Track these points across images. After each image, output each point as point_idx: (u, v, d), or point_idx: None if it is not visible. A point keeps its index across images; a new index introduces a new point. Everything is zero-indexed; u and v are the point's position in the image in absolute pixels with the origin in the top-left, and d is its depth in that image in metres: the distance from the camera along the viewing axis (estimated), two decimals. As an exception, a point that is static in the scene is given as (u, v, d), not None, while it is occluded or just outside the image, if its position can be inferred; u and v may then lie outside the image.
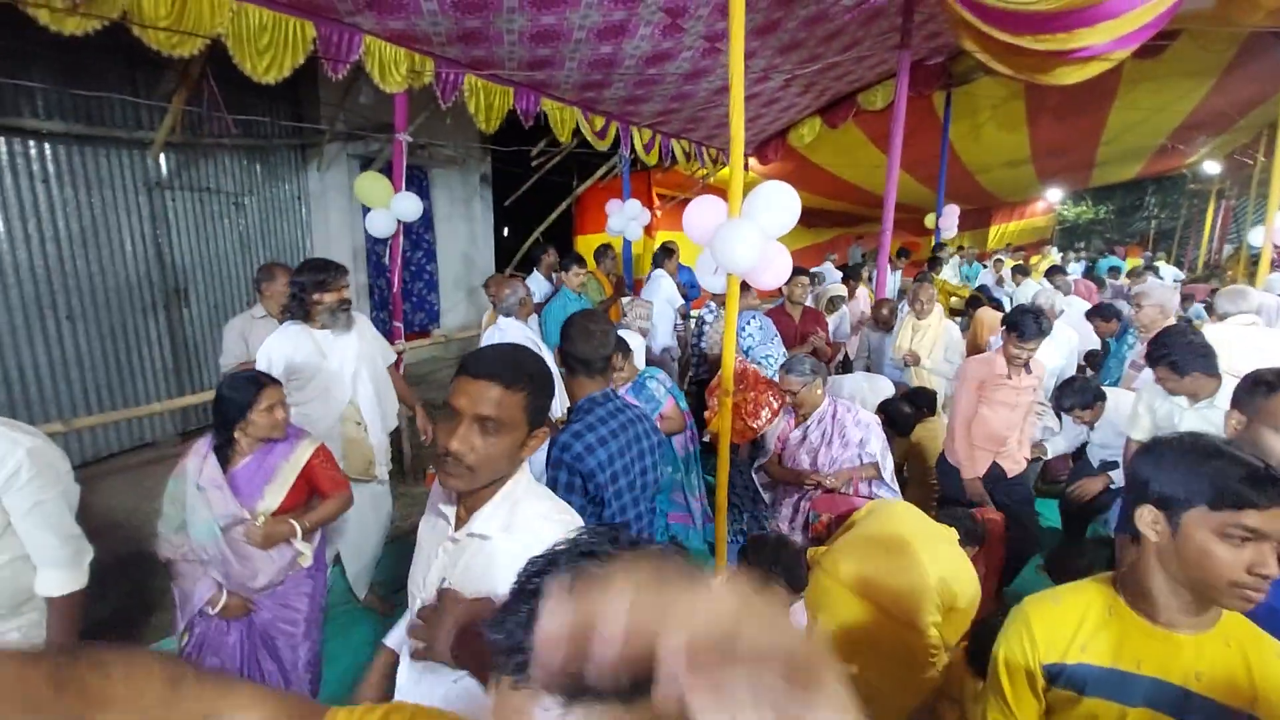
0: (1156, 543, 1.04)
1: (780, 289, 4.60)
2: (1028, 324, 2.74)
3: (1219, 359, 2.25)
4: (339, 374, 2.66)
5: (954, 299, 7.03)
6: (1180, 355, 2.23)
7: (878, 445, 2.66)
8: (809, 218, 12.45)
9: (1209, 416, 2.29)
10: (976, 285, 7.46)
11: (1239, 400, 1.46)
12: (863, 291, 5.96)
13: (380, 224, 4.24)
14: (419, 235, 7.27)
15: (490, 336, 3.49)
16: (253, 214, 5.44)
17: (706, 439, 3.18)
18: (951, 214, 7.20)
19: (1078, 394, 3.09)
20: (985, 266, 9.69)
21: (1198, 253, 14.01)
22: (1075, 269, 9.85)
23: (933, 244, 7.80)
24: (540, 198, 8.25)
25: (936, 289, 4.38)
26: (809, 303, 4.73)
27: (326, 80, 4.02)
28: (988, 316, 5.07)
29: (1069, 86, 6.48)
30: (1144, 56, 5.83)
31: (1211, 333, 2.63)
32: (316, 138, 5.81)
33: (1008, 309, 4.71)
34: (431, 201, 7.27)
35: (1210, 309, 4.25)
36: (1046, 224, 16.53)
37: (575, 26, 4.19)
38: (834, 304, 5.42)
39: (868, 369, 4.67)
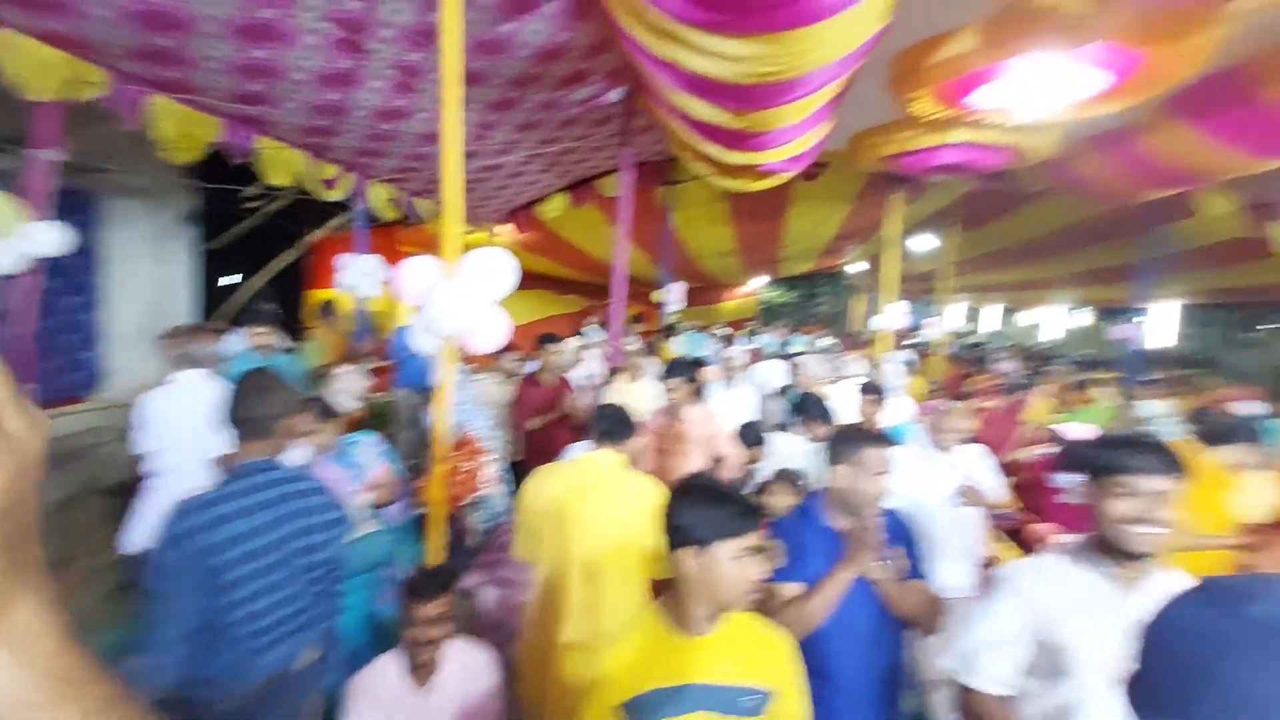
0: (694, 575, 1.26)
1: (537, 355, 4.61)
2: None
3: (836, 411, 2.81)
4: None
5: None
6: (811, 409, 2.72)
7: None
8: (563, 287, 12.96)
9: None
10: (698, 353, 8.38)
11: (838, 453, 1.76)
12: (591, 355, 6.22)
13: (3, 259, 3.22)
14: (76, 277, 5.71)
15: (155, 398, 2.81)
16: None
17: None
18: (678, 290, 8.03)
19: (746, 437, 3.66)
20: (709, 337, 11.00)
21: (858, 330, 17.79)
22: (771, 340, 11.73)
23: (662, 317, 8.59)
24: (269, 245, 7.21)
25: (660, 356, 4.80)
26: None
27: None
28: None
29: (757, 195, 7.84)
30: (807, 179, 7.33)
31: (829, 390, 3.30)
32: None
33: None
34: (100, 237, 5.82)
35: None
36: (752, 304, 19.52)
37: (293, 67, 3.80)
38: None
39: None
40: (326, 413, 2.55)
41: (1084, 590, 1.36)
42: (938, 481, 2.98)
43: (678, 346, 9.24)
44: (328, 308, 4.88)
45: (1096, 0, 2.74)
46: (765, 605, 1.73)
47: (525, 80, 4.51)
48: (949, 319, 22.33)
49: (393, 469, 2.72)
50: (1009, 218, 9.28)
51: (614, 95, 5.26)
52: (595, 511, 2.05)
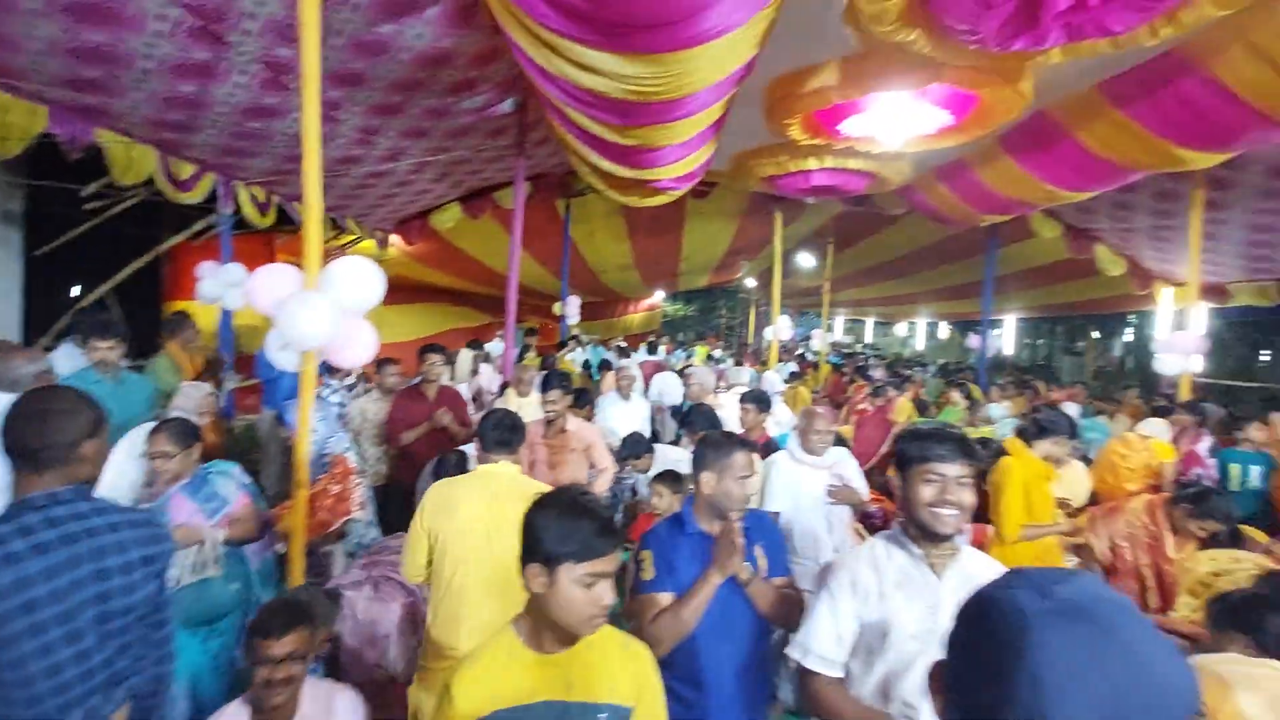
0: (541, 593, 1.21)
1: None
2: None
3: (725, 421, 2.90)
4: None
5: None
6: (698, 420, 2.80)
7: None
8: (462, 300, 12.55)
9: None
10: (598, 365, 8.41)
11: (704, 459, 1.82)
12: (486, 368, 6.07)
13: None
14: None
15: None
16: None
17: None
18: (573, 304, 8.02)
19: (632, 447, 3.72)
20: (609, 350, 11.06)
21: (748, 343, 18.58)
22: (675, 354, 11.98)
23: (560, 330, 8.55)
24: (119, 251, 6.43)
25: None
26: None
27: None
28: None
29: (653, 211, 8.01)
30: (698, 197, 7.59)
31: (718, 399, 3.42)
32: None
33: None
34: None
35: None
36: (655, 317, 19.89)
37: (139, 54, 3.43)
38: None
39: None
40: (179, 437, 2.28)
41: (899, 572, 1.49)
42: (811, 483, 3.15)
43: (577, 359, 9.25)
44: (180, 320, 4.38)
45: (934, 47, 3.04)
46: (641, 616, 1.74)
47: (411, 85, 4.35)
48: (832, 331, 23.90)
49: (255, 502, 2.48)
50: (875, 238, 10.10)
51: (507, 105, 5.19)
52: (512, 524, 1.99)
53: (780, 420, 4.94)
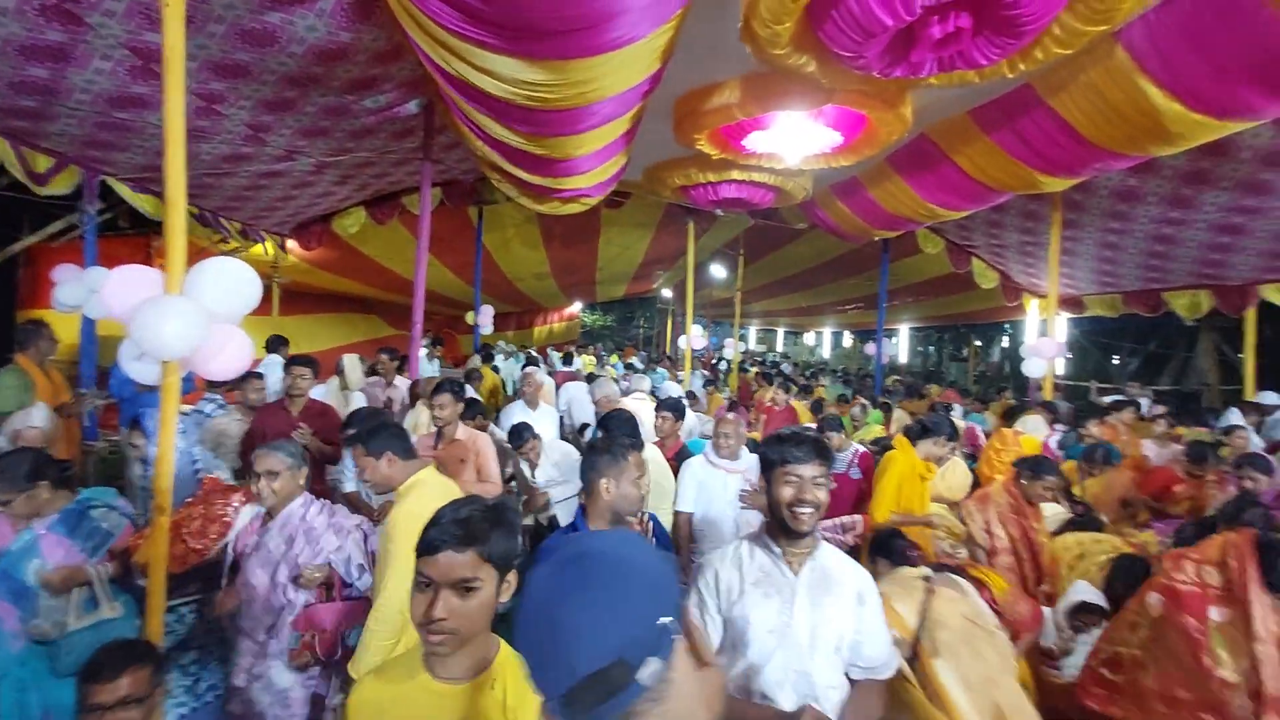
0: None
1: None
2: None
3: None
4: None
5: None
6: (616, 426, 2.77)
7: (356, 555, 2.21)
8: (366, 308, 11.92)
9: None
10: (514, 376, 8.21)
11: (599, 466, 1.79)
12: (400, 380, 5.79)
13: None
14: None
15: None
16: None
17: None
18: (487, 313, 7.80)
19: (516, 436, 3.62)
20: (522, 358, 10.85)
21: (667, 352, 18.82)
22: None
23: (473, 340, 8.27)
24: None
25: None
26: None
27: None
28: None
29: (568, 220, 7.95)
30: (612, 206, 7.60)
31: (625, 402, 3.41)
32: None
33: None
34: None
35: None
36: (573, 327, 19.77)
37: (-25, 30, 3.02)
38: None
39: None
40: (11, 482, 1.96)
41: (758, 570, 1.53)
42: (723, 486, 3.20)
43: (509, 370, 8.99)
44: (34, 330, 3.86)
45: (824, 72, 3.19)
46: None
47: (305, 80, 4.08)
48: (745, 341, 24.61)
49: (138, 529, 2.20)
50: (782, 251, 10.52)
51: (412, 107, 4.98)
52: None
53: (694, 426, 5.02)
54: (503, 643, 1.20)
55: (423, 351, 9.94)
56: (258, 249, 7.71)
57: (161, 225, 5.83)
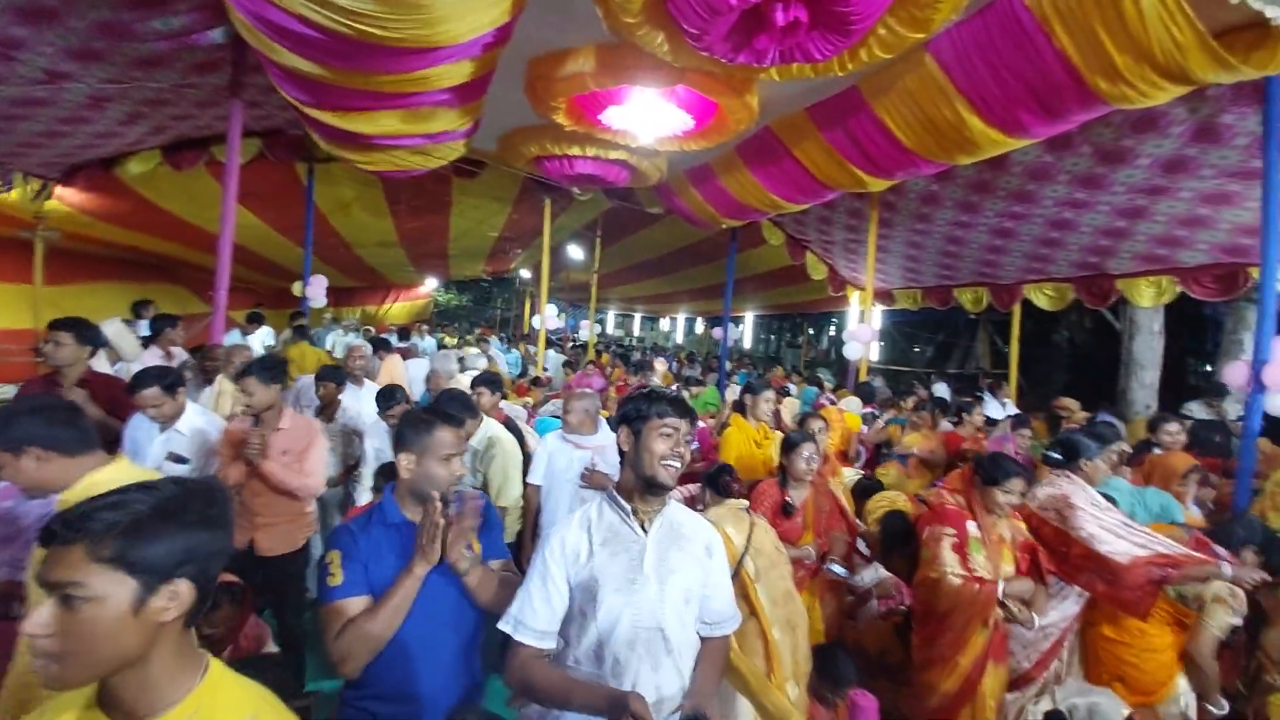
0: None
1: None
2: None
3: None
4: None
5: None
6: (446, 403, 2.54)
7: None
8: (171, 276, 10.15)
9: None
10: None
11: (403, 440, 1.60)
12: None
13: None
14: None
15: None
16: None
17: None
18: (319, 283, 6.96)
19: (386, 399, 3.39)
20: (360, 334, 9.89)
21: (525, 333, 18.37)
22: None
23: (298, 310, 7.31)
24: None
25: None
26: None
27: None
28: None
29: (415, 187, 7.31)
30: (465, 176, 7.12)
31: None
32: None
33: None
34: None
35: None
36: (426, 305, 18.53)
37: None
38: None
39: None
40: None
41: (607, 530, 1.48)
42: (572, 462, 3.13)
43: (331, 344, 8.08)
44: None
45: (673, 50, 3.17)
46: (325, 631, 1.44)
47: (65, -16, 3.27)
48: (603, 325, 24.81)
49: None
50: (638, 235, 10.65)
51: (217, 36, 4.23)
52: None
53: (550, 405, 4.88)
54: (217, 677, 0.92)
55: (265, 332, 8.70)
56: (13, 194, 6.21)
57: None
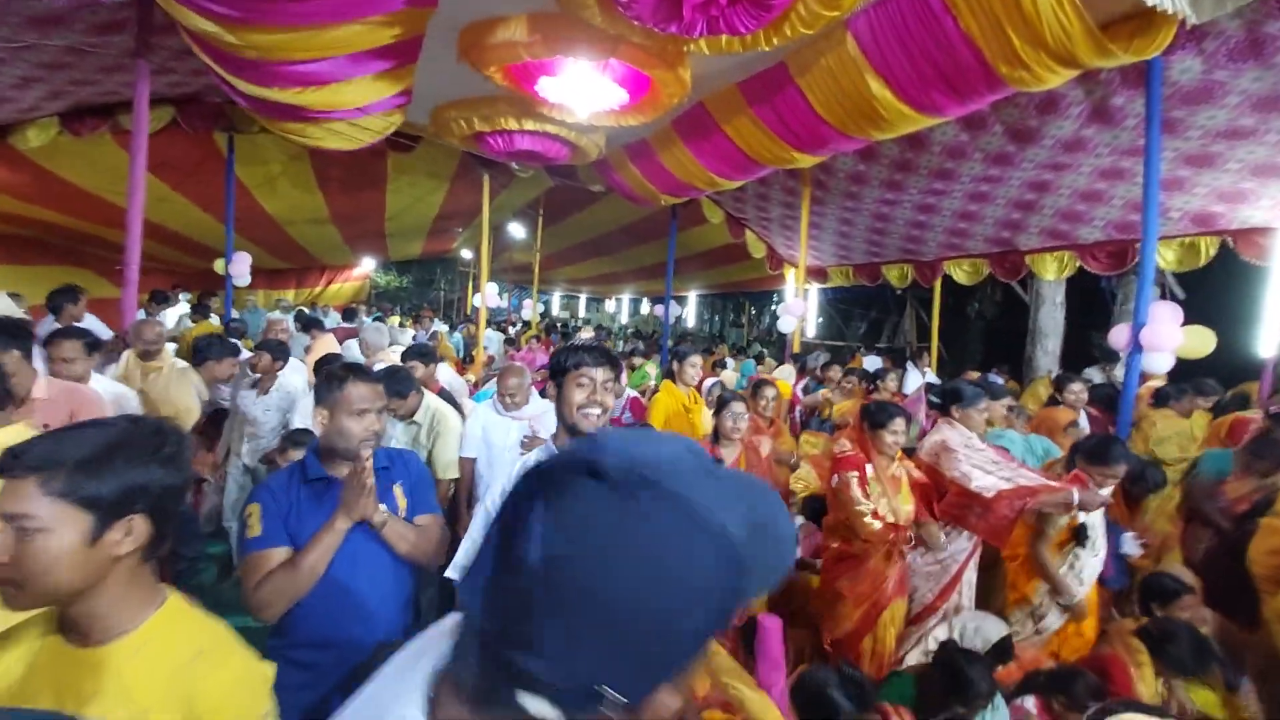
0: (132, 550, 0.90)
1: None
2: None
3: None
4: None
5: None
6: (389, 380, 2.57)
7: None
8: (76, 258, 9.38)
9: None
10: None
11: (319, 396, 1.61)
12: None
13: None
14: None
15: None
16: None
17: None
18: (243, 261, 6.61)
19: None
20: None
21: (468, 315, 17.96)
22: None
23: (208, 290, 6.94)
24: None
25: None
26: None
27: None
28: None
29: (347, 162, 7.00)
30: (400, 151, 6.87)
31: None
32: None
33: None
34: None
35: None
36: (363, 288, 17.83)
37: None
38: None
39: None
40: None
41: None
42: (506, 434, 3.17)
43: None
44: None
45: (605, 17, 3.17)
46: (246, 580, 1.45)
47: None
48: (547, 307, 24.53)
49: None
50: (580, 215, 10.58)
51: (116, -8, 3.93)
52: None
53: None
54: (172, 610, 0.94)
55: (183, 308, 8.19)
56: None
57: None
